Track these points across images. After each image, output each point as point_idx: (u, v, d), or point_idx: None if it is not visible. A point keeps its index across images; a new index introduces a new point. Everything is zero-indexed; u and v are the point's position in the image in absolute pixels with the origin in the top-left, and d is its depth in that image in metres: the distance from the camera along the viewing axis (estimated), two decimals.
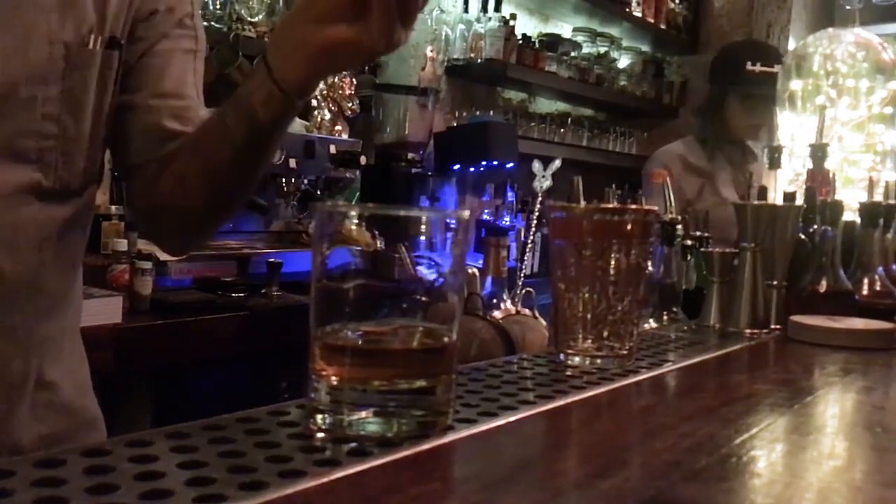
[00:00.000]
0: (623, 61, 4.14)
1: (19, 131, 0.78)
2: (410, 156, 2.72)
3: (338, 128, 2.59)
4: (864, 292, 1.22)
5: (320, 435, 0.54)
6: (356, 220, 0.55)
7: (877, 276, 1.23)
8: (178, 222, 0.93)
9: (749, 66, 2.41)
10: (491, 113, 3.24)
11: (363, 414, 0.54)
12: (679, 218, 1.21)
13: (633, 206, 0.94)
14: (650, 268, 1.09)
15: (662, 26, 4.12)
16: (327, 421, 0.54)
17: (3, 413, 0.82)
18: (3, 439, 0.82)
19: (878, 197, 1.36)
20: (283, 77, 0.74)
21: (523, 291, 1.22)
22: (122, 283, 1.85)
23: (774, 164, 1.33)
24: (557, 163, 1.22)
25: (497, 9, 3.19)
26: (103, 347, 1.61)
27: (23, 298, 0.82)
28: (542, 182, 1.21)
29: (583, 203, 1.03)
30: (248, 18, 2.50)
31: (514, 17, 3.28)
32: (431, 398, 0.55)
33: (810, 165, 1.44)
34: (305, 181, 2.40)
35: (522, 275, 1.23)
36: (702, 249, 1.18)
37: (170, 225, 0.94)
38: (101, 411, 0.95)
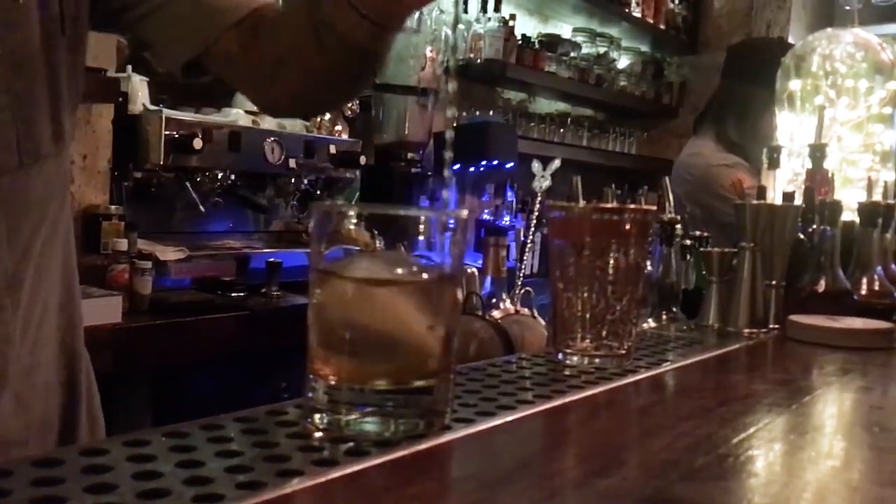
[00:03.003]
0: (622, 61, 4.14)
1: None
2: (410, 156, 2.72)
3: (338, 128, 2.59)
4: (863, 292, 1.22)
5: (318, 434, 0.54)
6: (355, 220, 0.55)
7: (875, 276, 1.23)
8: (305, 108, 1.12)
9: None
10: (491, 113, 3.24)
11: (361, 414, 0.54)
12: (678, 217, 1.21)
13: (632, 206, 0.94)
14: (649, 267, 1.09)
15: (662, 26, 4.12)
16: (325, 420, 0.54)
17: None
18: None
19: (877, 197, 1.36)
20: (377, 19, 0.79)
21: (522, 291, 1.22)
22: (122, 282, 1.85)
23: (773, 163, 1.33)
24: (557, 163, 1.22)
25: (496, 9, 3.19)
26: (103, 347, 1.61)
27: (2, 294, 0.76)
28: (542, 182, 1.21)
29: (582, 203, 1.03)
30: None
31: (513, 17, 3.28)
32: (429, 398, 0.55)
33: (809, 165, 1.44)
34: (305, 181, 2.40)
35: (521, 274, 1.23)
36: (701, 249, 1.18)
37: (297, 109, 1.13)
38: (94, 384, 0.92)
